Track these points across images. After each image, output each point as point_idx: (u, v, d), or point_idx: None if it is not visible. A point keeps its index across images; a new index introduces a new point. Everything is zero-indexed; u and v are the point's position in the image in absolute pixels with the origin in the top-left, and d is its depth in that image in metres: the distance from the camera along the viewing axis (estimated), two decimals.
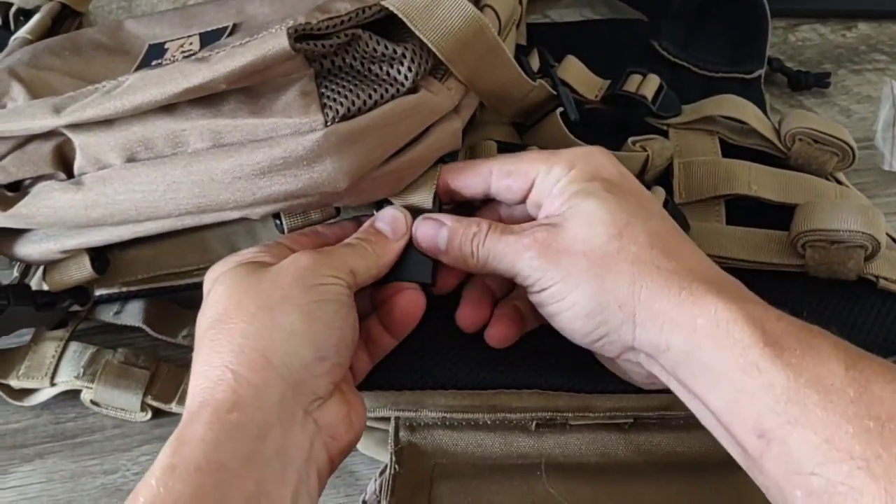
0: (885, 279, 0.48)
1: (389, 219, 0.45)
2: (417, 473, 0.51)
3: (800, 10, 0.78)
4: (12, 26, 0.62)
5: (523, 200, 0.44)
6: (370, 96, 0.41)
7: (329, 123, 0.40)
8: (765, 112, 0.59)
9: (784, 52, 0.74)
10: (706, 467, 0.48)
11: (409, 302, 0.46)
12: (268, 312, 0.39)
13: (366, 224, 0.46)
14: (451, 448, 0.51)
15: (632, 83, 0.56)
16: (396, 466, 0.50)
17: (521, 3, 0.53)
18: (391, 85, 0.41)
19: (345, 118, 0.40)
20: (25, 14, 0.62)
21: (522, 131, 0.54)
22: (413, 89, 0.42)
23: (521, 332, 0.47)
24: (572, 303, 0.40)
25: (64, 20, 0.60)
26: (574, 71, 0.57)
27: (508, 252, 0.42)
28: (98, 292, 0.54)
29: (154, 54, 0.48)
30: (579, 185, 0.42)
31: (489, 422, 0.50)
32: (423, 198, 0.45)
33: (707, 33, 0.68)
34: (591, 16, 0.74)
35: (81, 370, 0.55)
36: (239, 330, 0.39)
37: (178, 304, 0.60)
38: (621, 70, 0.58)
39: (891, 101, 0.69)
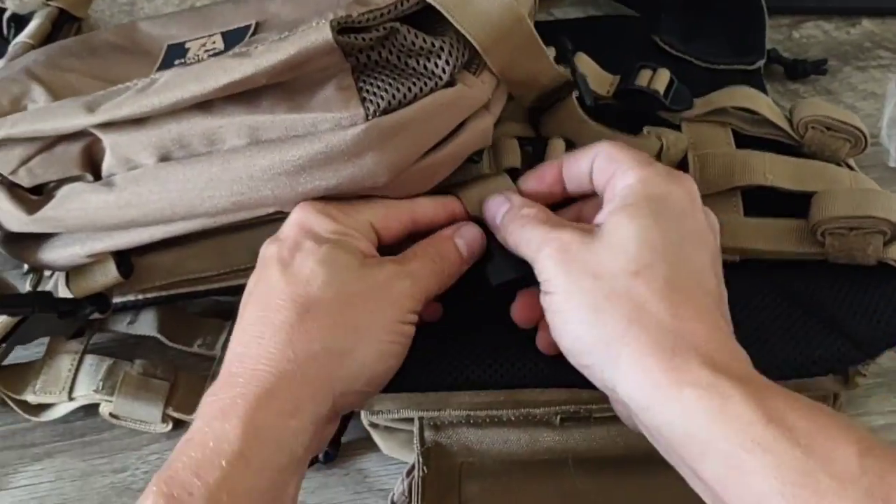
0: None
1: (470, 238, 0.45)
2: (445, 474, 0.50)
3: (804, 7, 0.78)
4: (6, 32, 0.61)
5: (590, 186, 0.44)
6: (409, 90, 0.41)
7: (370, 117, 0.40)
8: None
9: (788, 49, 0.75)
10: None
11: None
12: (353, 333, 0.40)
13: (447, 233, 0.45)
14: (477, 446, 0.51)
15: (643, 78, 0.57)
16: (424, 468, 0.50)
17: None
18: (430, 78, 0.41)
19: (385, 112, 0.40)
20: (18, 20, 0.61)
21: (535, 116, 0.54)
22: (450, 83, 0.42)
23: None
24: (565, 320, 0.39)
25: (63, 25, 0.59)
26: (585, 67, 0.57)
27: (535, 242, 0.41)
28: (115, 300, 0.53)
29: (175, 54, 0.47)
30: (633, 200, 0.40)
31: (513, 418, 0.50)
32: None
33: (706, 26, 0.68)
34: (595, 14, 0.75)
35: (100, 383, 0.55)
36: (319, 338, 0.39)
37: (192, 313, 0.59)
38: (624, 66, 0.58)
39: (895, 97, 0.69)
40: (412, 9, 0.41)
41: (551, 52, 0.53)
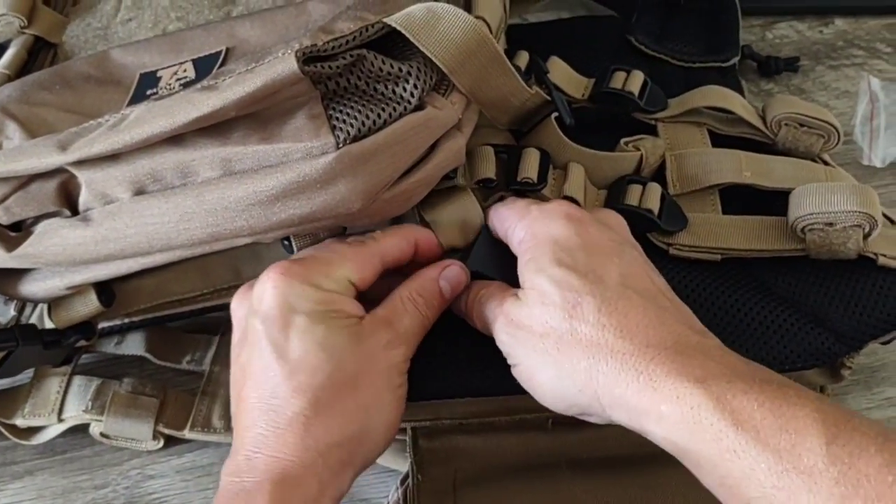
0: (885, 256, 0.49)
1: (454, 280, 0.46)
2: (440, 481, 0.51)
3: (777, 8, 0.79)
4: None
5: None
6: (379, 115, 0.41)
7: (341, 145, 0.40)
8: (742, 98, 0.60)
9: (762, 49, 0.75)
10: None
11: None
12: (364, 415, 0.41)
13: (432, 275, 0.45)
14: (471, 452, 0.52)
15: (617, 80, 0.57)
16: (419, 476, 0.50)
17: (505, 10, 0.54)
18: (398, 103, 0.42)
19: (356, 138, 0.40)
20: None
21: (518, 137, 0.54)
22: (420, 106, 0.42)
23: None
24: (539, 383, 0.40)
25: (38, 52, 0.59)
26: (559, 71, 0.57)
27: (489, 318, 0.43)
28: (100, 325, 0.54)
29: (147, 83, 0.47)
30: (533, 253, 0.42)
31: (506, 423, 0.51)
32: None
33: (680, 24, 0.68)
34: (567, 16, 0.75)
35: (89, 403, 0.55)
36: (338, 426, 0.40)
37: (179, 330, 0.60)
38: (600, 67, 0.59)
39: (868, 95, 0.70)
40: (377, 34, 0.41)
41: (524, 59, 0.54)
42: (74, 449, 0.56)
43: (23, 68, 0.55)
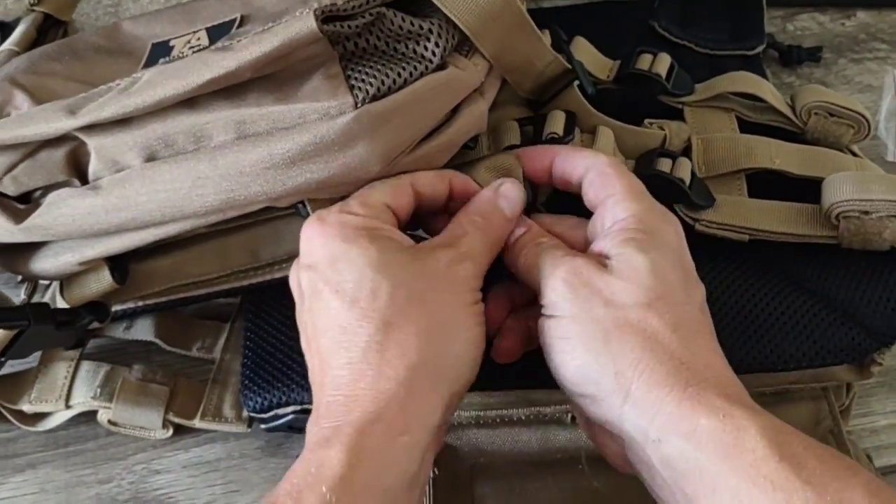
0: None
1: (513, 197, 0.43)
2: (457, 475, 0.50)
3: None
4: None
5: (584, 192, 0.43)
6: (399, 75, 0.39)
7: (359, 105, 0.39)
8: None
9: (783, 40, 0.73)
10: None
11: None
12: (441, 330, 0.38)
13: (488, 195, 0.43)
14: (488, 447, 0.50)
15: (643, 62, 0.56)
16: (435, 470, 0.49)
17: None
18: (419, 62, 0.40)
19: (375, 98, 0.39)
20: (3, 27, 0.60)
21: (537, 108, 0.53)
22: (441, 66, 0.41)
23: (526, 348, 0.45)
24: (572, 346, 0.38)
25: (48, 30, 0.58)
26: (584, 52, 0.56)
27: (548, 264, 0.40)
28: (114, 308, 0.52)
29: (159, 52, 0.46)
30: (636, 237, 0.40)
31: (524, 417, 0.49)
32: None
33: (704, 11, 0.67)
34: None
35: (98, 390, 0.53)
36: (414, 346, 0.37)
37: (189, 316, 0.58)
38: (623, 52, 0.57)
39: (893, 90, 0.68)
40: None
41: (546, 39, 0.52)
42: (78, 442, 0.55)
43: (32, 46, 0.55)
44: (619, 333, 0.37)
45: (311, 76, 0.40)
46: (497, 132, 0.48)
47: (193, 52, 0.44)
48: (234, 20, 0.46)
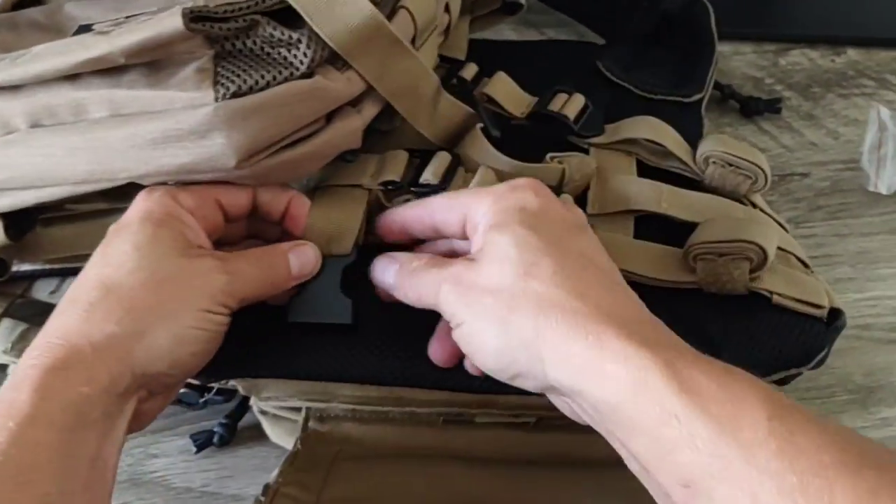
0: (780, 295, 0.49)
1: (304, 259, 0.47)
2: (316, 455, 0.51)
3: (790, 35, 0.81)
4: None
5: (464, 235, 0.45)
6: (262, 77, 0.42)
7: (219, 99, 0.41)
8: (700, 136, 0.60)
9: (774, 75, 0.77)
10: (605, 465, 0.48)
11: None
12: (149, 315, 0.41)
13: (284, 248, 0.46)
14: (357, 438, 0.52)
15: (557, 101, 0.57)
16: (299, 446, 0.51)
17: (448, 12, 0.55)
18: (286, 68, 0.43)
19: (235, 95, 0.42)
20: None
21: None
22: (308, 74, 0.43)
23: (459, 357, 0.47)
24: (482, 342, 0.40)
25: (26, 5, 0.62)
26: (503, 87, 0.58)
27: (431, 285, 0.42)
28: (24, 267, 0.56)
29: (80, 33, 0.50)
30: (497, 218, 0.42)
31: (398, 416, 0.51)
32: (346, 247, 0.48)
33: (653, 57, 0.69)
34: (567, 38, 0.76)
35: (10, 345, 0.56)
36: (118, 318, 0.40)
37: None
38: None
39: (877, 124, 0.71)
40: (274, 6, 0.43)
41: (471, 71, 0.55)
42: None
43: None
44: (512, 311, 0.39)
45: (185, 67, 0.42)
46: (384, 159, 0.50)
47: None
48: (153, 12, 0.50)
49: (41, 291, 0.60)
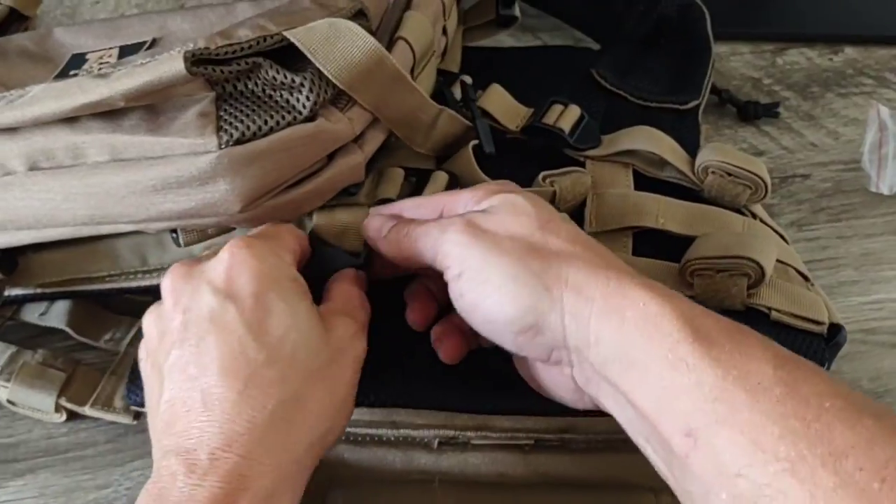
0: (778, 311, 0.48)
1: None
2: (312, 483, 0.51)
3: (788, 34, 0.80)
4: None
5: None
6: (266, 122, 0.42)
7: (223, 146, 0.41)
8: (698, 143, 0.59)
9: (772, 75, 0.76)
10: (602, 487, 0.49)
11: None
12: (337, 408, 0.40)
13: (354, 285, 0.45)
14: (353, 462, 0.52)
15: (553, 113, 0.57)
16: None
17: (445, 34, 0.54)
18: (288, 112, 0.42)
19: (239, 142, 0.41)
20: None
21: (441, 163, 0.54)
22: (311, 118, 0.43)
23: (467, 348, 0.46)
24: (494, 287, 0.38)
25: (11, 24, 0.61)
26: (497, 99, 0.57)
27: (433, 233, 0.41)
28: (15, 292, 0.55)
29: (75, 64, 0.49)
30: (498, 187, 0.43)
31: (392, 438, 0.51)
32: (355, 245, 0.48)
33: (648, 63, 0.68)
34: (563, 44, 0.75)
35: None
36: (315, 420, 0.38)
37: (104, 308, 0.60)
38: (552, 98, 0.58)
39: (877, 124, 0.70)
40: (276, 45, 0.42)
41: (456, 90, 0.54)
42: (77, 448, 0.56)
43: None
44: (533, 254, 0.38)
45: (186, 111, 0.42)
46: (381, 177, 0.50)
47: (100, 67, 0.47)
48: (145, 42, 0.49)
49: (30, 313, 0.60)
